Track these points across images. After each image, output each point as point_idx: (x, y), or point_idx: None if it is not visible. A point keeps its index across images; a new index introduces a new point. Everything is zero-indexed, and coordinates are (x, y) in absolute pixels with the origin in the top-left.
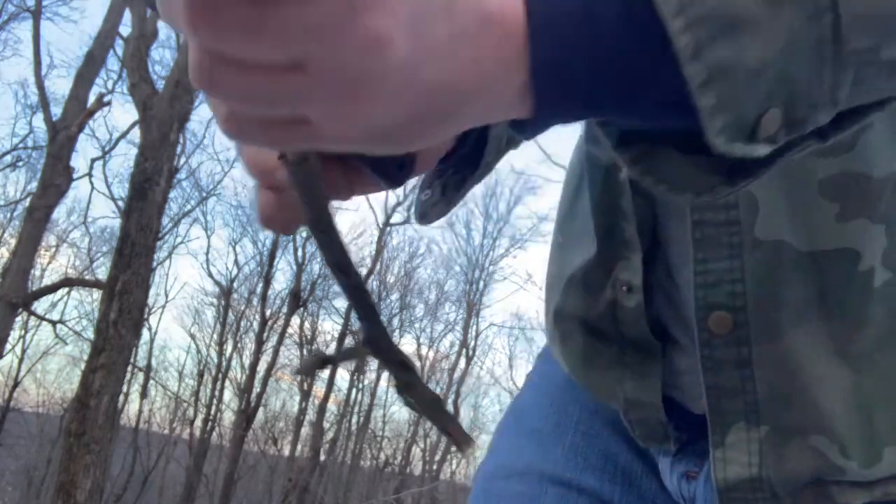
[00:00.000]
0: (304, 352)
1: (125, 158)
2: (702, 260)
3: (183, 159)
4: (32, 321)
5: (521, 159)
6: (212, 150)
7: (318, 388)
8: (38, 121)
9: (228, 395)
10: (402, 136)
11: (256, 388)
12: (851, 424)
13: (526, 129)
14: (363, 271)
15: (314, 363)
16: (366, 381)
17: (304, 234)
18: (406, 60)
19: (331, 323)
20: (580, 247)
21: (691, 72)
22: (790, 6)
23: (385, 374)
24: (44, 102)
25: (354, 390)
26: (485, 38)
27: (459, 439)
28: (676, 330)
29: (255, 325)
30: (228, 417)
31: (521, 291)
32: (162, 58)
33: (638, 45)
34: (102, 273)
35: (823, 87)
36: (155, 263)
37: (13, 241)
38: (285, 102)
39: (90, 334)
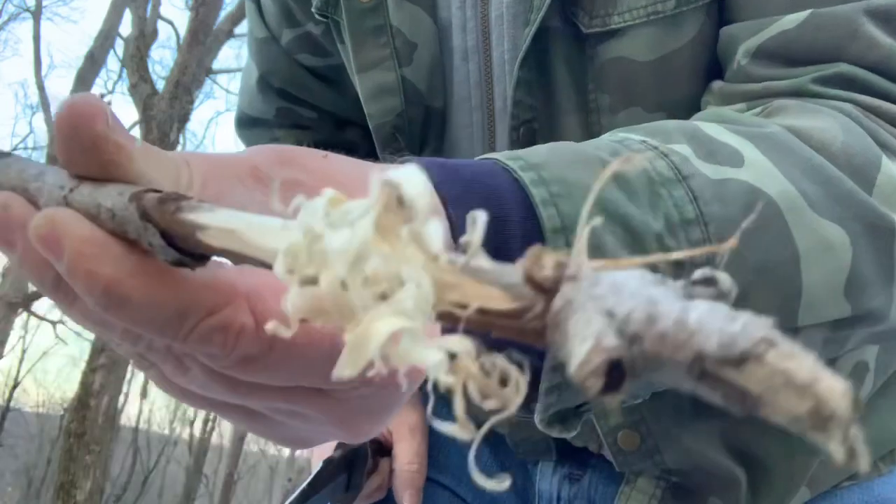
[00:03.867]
0: None
1: None
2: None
3: None
4: (32, 321)
5: None
6: (212, 151)
7: None
8: (38, 121)
9: None
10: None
11: None
12: (746, 491)
13: None
14: None
15: None
16: None
17: None
18: None
19: None
20: None
21: (548, 377)
22: None
23: None
24: (44, 102)
25: None
26: None
27: None
28: None
29: None
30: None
31: None
32: (162, 58)
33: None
34: None
35: (650, 389)
36: None
37: None
38: (284, 410)
39: (90, 334)
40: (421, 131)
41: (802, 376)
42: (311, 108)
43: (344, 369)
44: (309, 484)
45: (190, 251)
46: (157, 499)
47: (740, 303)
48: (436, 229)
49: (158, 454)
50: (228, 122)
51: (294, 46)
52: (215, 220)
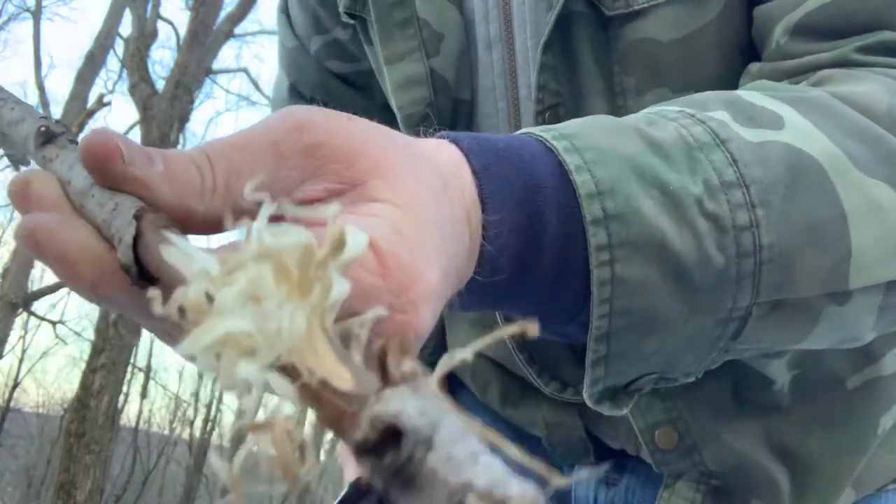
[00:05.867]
0: None
1: None
2: None
3: None
4: (32, 321)
5: None
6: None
7: None
8: None
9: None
10: None
11: None
12: (789, 493)
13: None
14: None
15: None
16: None
17: None
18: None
19: None
20: None
21: (593, 347)
22: (705, 313)
23: None
24: (44, 102)
25: None
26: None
27: None
28: None
29: None
30: (228, 417)
31: None
32: (162, 58)
33: (567, 299)
34: None
35: (703, 363)
36: None
37: (13, 241)
38: None
39: (90, 334)
40: (450, 123)
41: None
42: None
43: (182, 347)
44: None
45: (152, 276)
46: (157, 499)
47: (791, 265)
48: (341, 292)
49: (158, 454)
50: (228, 122)
51: (323, 53)
52: (170, 255)
